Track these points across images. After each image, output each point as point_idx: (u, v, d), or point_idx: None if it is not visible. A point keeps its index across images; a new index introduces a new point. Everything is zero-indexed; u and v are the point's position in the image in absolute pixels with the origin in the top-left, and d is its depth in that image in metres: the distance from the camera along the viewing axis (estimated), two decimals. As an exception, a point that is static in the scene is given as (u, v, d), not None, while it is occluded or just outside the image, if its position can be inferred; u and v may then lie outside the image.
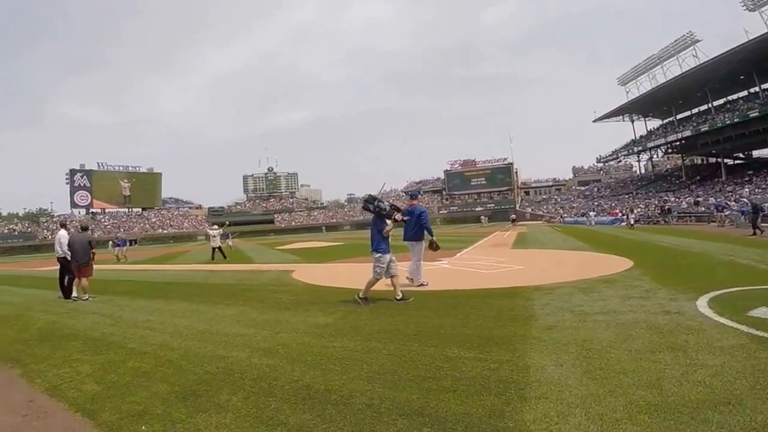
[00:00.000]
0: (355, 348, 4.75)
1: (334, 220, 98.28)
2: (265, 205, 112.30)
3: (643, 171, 78.23)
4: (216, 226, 24.11)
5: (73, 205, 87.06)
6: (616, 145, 75.29)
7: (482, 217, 62.23)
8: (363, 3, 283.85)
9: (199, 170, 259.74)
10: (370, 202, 7.32)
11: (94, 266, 10.43)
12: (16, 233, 77.07)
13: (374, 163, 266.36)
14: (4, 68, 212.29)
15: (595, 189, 78.89)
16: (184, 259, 24.80)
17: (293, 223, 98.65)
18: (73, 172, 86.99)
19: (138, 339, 5.84)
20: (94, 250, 10.17)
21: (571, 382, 3.47)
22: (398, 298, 7.15)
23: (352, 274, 11.48)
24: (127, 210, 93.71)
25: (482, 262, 12.76)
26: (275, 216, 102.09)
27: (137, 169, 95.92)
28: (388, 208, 7.37)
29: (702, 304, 5.72)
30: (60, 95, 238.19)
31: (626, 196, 61.14)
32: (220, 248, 21.40)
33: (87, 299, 9.77)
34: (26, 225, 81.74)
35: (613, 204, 57.59)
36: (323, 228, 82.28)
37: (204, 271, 16.22)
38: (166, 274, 16.24)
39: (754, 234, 18.60)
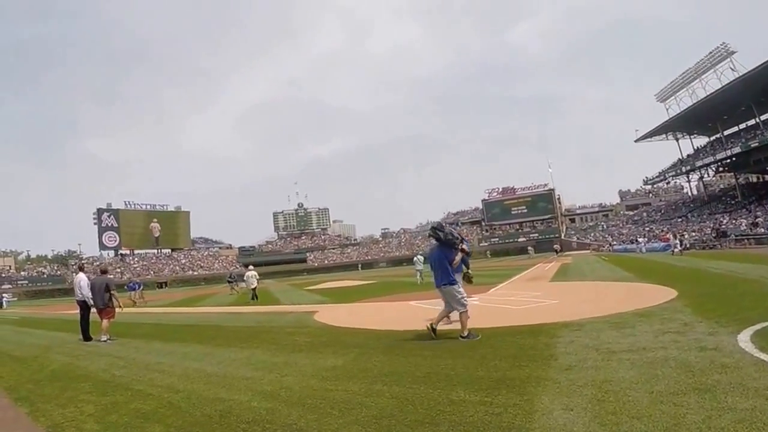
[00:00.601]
0: (359, 391, 4.75)
1: (369, 257, 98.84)
2: (296, 242, 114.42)
3: (694, 192, 75.39)
4: (251, 267, 25.18)
5: (102, 246, 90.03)
6: (663, 165, 73.02)
7: (529, 247, 61.14)
8: (388, 26, 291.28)
9: (228, 207, 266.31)
10: (439, 229, 7.15)
11: (117, 309, 10.94)
12: (45, 276, 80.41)
13: (408, 195, 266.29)
14: (28, 101, 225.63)
15: (645, 213, 76.63)
16: (211, 302, 25.36)
17: (326, 261, 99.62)
18: (100, 212, 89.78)
19: (146, 381, 6.08)
20: (113, 292, 10.69)
21: (578, 428, 3.34)
22: (464, 335, 6.92)
23: (377, 315, 11.52)
24: (156, 251, 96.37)
25: (515, 298, 12.56)
26: (307, 254, 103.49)
27: (165, 207, 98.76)
28: (458, 236, 7.22)
29: (744, 338, 5.43)
30: (86, 129, 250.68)
31: (678, 220, 59.28)
32: (254, 289, 22.25)
33: (105, 341, 10.17)
34: (55, 268, 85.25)
35: (664, 229, 55.72)
36: (359, 266, 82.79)
37: (227, 314, 16.61)
38: (189, 317, 16.75)
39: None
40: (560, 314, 8.75)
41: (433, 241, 7.34)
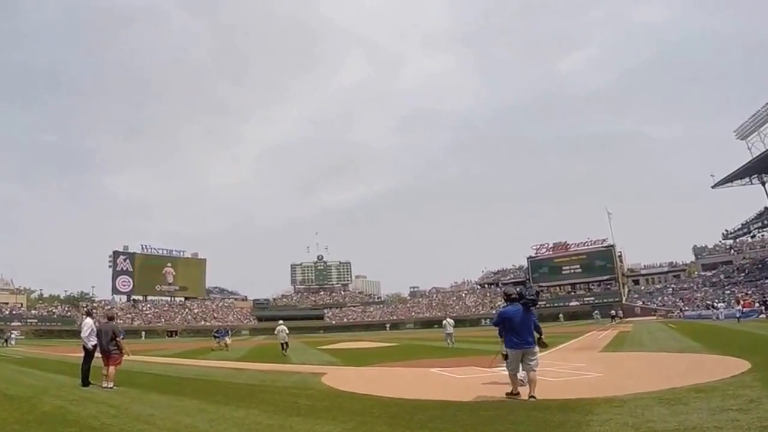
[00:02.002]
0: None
1: (394, 317, 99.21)
2: (313, 298, 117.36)
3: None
4: (281, 321, 27.14)
5: (115, 290, 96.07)
6: (747, 215, 70.90)
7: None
8: (420, 58, 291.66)
9: (245, 255, 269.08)
10: (524, 292, 8.35)
11: (125, 356, 11.81)
12: (55, 316, 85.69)
13: (442, 250, 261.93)
14: (51, 133, 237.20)
15: (724, 274, 74.20)
16: (218, 355, 26.30)
17: (345, 320, 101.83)
18: (116, 255, 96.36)
19: (132, 432, 6.45)
20: (119, 339, 11.45)
21: None
22: (534, 395, 7.85)
23: (391, 381, 11.60)
24: (169, 299, 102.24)
25: (553, 369, 12.32)
26: (325, 311, 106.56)
27: (182, 254, 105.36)
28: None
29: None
30: (106, 165, 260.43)
31: (767, 281, 57.07)
32: (286, 343, 24.64)
33: (105, 387, 10.93)
34: (66, 309, 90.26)
35: (749, 292, 54.12)
36: (387, 326, 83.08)
37: (231, 369, 17.24)
38: (193, 370, 17.51)
39: None
40: (602, 388, 8.66)
41: (503, 303, 8.68)
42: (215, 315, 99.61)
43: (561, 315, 68.44)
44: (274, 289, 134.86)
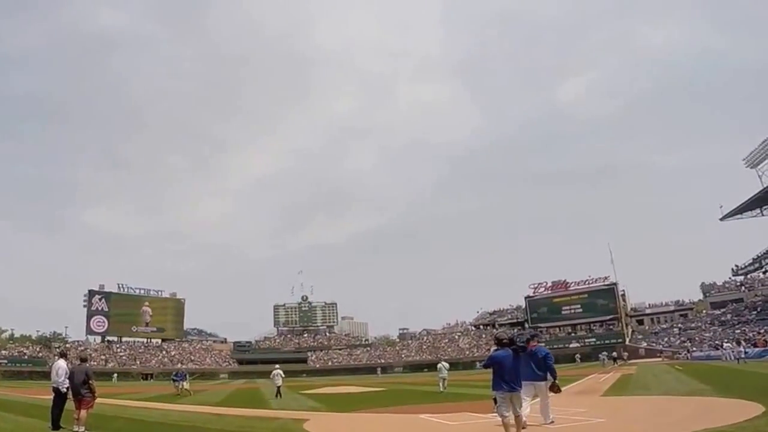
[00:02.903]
0: None
1: (382, 360, 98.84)
2: (297, 340, 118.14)
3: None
4: (278, 366, 28.33)
5: (89, 331, 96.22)
6: (758, 249, 70.44)
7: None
8: (413, 86, 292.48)
9: (226, 295, 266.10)
10: (512, 339, 9.44)
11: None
12: (26, 357, 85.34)
13: (434, 290, 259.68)
14: (23, 165, 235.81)
15: (733, 312, 74.24)
16: (196, 400, 26.35)
17: (330, 363, 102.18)
18: (91, 294, 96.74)
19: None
20: (91, 382, 11.54)
21: None
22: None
23: (376, 428, 11.74)
24: (145, 340, 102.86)
25: (552, 415, 12.46)
26: (309, 354, 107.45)
27: (159, 293, 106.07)
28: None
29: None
30: (85, 198, 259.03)
31: (783, 319, 56.89)
32: (280, 388, 25.54)
33: (77, 431, 10.98)
34: (37, 349, 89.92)
35: (761, 331, 54.39)
36: (378, 370, 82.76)
37: (210, 414, 17.13)
38: (170, 414, 17.50)
39: None
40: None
41: (495, 348, 9.36)
42: (193, 358, 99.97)
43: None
44: (256, 331, 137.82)
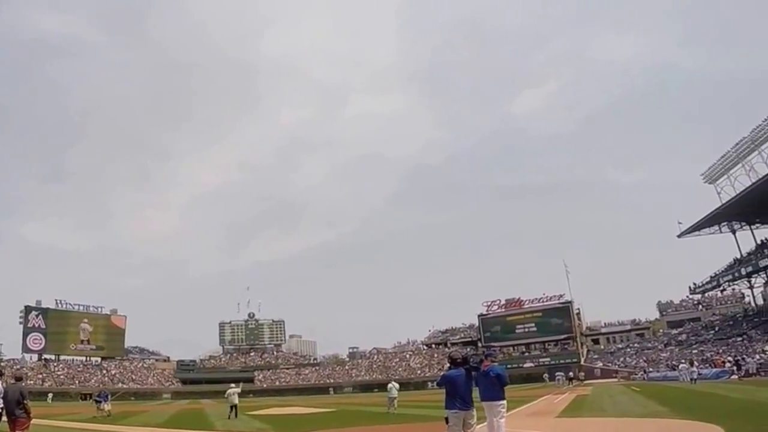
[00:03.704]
0: None
1: (331, 380, 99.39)
2: (244, 359, 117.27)
3: (759, 301, 74.31)
4: (233, 385, 29.06)
5: (25, 349, 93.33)
6: (716, 267, 70.30)
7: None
8: (366, 97, 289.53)
9: (170, 313, 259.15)
10: (466, 358, 9.56)
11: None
12: None
13: (385, 308, 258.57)
14: None
15: (691, 332, 75.60)
16: (138, 420, 26.65)
17: (277, 383, 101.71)
18: (28, 310, 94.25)
19: None
20: (26, 402, 11.08)
21: None
22: None
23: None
24: (84, 359, 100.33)
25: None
26: (255, 373, 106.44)
27: (99, 310, 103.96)
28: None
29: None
30: (23, 210, 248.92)
31: (738, 339, 58.02)
32: (236, 406, 26.11)
33: None
34: None
35: (721, 350, 54.95)
36: (331, 390, 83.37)
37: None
38: None
39: None
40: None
41: (448, 367, 9.55)
42: (134, 377, 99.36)
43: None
44: (201, 349, 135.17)
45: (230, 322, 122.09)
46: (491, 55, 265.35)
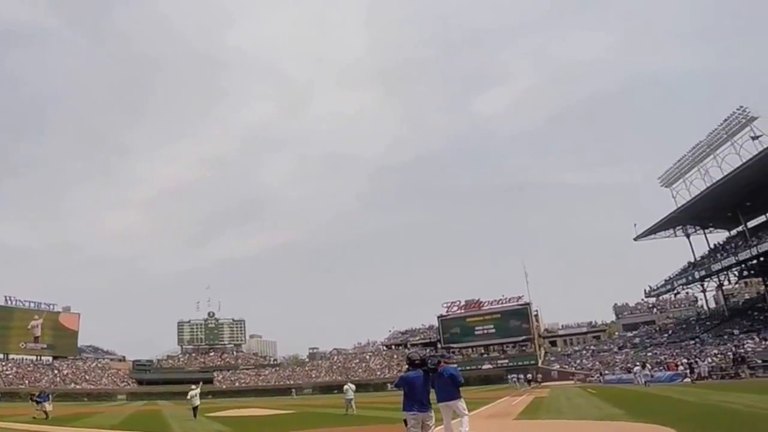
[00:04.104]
0: None
1: (291, 381, 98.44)
2: (203, 359, 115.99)
3: (712, 304, 75.95)
4: (194, 386, 28.25)
5: None
6: (671, 270, 70.67)
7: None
8: (333, 95, 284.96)
9: (127, 311, 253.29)
10: (424, 359, 9.58)
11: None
12: None
13: (346, 308, 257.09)
14: None
15: (645, 335, 76.93)
16: (92, 422, 25.45)
17: (237, 384, 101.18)
18: None
19: None
20: None
21: None
22: None
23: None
24: (35, 358, 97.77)
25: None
26: (215, 374, 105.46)
27: (51, 307, 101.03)
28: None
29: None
30: None
31: (691, 342, 58.85)
32: (197, 408, 26.00)
33: None
34: None
35: (674, 353, 55.86)
36: (293, 391, 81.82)
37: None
38: None
39: None
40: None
41: (407, 368, 9.61)
42: (87, 377, 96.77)
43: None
44: (158, 349, 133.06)
45: (189, 322, 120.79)
46: (460, 53, 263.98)
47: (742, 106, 50.26)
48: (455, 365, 12.01)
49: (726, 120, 51.80)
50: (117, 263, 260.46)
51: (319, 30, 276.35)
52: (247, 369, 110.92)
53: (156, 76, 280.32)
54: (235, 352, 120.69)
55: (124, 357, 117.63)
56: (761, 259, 53.41)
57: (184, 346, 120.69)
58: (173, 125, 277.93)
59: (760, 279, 60.53)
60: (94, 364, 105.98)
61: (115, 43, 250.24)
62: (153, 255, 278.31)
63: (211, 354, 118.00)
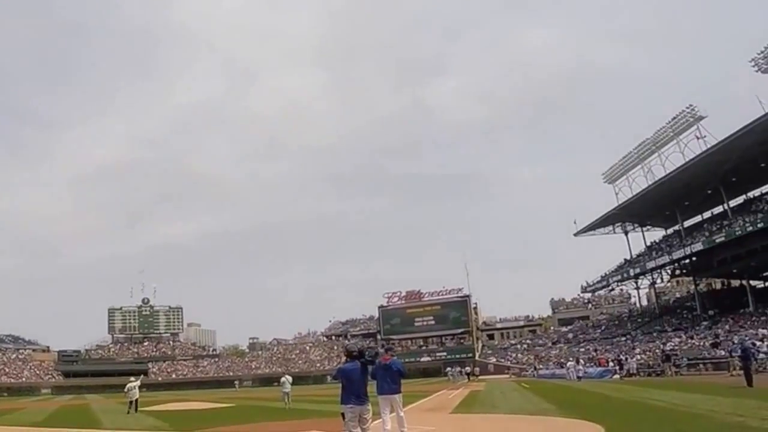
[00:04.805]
0: None
1: (230, 373, 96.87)
2: (136, 349, 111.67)
3: (645, 302, 78.18)
4: (133, 378, 27.79)
5: None
6: (608, 267, 72.01)
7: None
8: (278, 77, 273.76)
9: (50, 297, 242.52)
10: (362, 351, 9.42)
11: None
12: None
13: (287, 297, 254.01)
14: None
15: (580, 330, 79.18)
16: (11, 419, 24.90)
17: (174, 376, 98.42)
18: None
19: None
20: None
21: None
22: None
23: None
24: None
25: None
26: (149, 365, 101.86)
27: None
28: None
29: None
30: None
31: (622, 339, 60.82)
32: (137, 401, 25.11)
33: None
34: None
35: (606, 349, 57.58)
36: (236, 383, 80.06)
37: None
38: None
39: (749, 385, 19.84)
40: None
41: (345, 360, 9.79)
42: (7, 369, 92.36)
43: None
44: (86, 339, 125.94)
45: (121, 309, 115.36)
46: (410, 39, 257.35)
47: (690, 105, 50.48)
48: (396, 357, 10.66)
49: (674, 118, 52.10)
50: (38, 246, 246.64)
51: (267, 8, 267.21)
52: (184, 360, 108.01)
53: (83, 45, 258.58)
54: (171, 342, 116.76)
55: (48, 347, 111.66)
56: (693, 258, 54.53)
57: (115, 335, 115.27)
58: (102, 101, 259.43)
59: (691, 278, 61.72)
60: (14, 355, 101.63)
61: (35, 6, 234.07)
62: (80, 238, 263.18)
63: (146, 344, 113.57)
